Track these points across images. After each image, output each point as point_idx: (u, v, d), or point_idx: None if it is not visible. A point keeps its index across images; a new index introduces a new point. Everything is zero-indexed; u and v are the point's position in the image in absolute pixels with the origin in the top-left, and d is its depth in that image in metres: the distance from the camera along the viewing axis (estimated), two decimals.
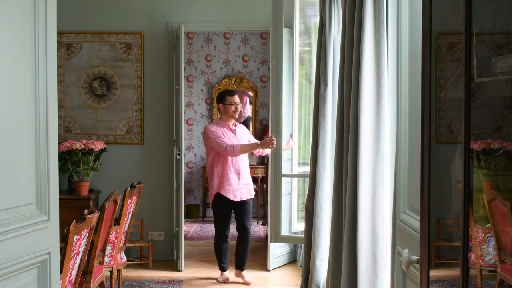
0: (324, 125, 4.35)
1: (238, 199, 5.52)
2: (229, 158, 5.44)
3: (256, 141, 5.66)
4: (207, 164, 5.63)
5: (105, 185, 6.29)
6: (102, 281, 4.50)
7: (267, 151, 5.41)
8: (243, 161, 5.56)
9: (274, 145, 5.03)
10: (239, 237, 5.63)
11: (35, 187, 2.60)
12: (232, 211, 5.63)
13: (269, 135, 5.20)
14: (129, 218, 5.15)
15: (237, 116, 5.59)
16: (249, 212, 5.61)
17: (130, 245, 6.10)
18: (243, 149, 5.40)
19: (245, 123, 9.29)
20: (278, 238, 5.09)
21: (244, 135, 5.71)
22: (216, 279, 5.75)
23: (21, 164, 2.52)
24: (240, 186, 5.52)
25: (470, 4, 1.50)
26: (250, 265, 6.01)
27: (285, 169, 5.30)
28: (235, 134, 5.58)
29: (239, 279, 5.67)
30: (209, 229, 8.26)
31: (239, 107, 5.58)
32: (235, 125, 5.63)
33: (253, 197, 5.66)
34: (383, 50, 3.56)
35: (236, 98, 5.56)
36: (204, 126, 5.36)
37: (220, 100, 5.57)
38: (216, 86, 9.12)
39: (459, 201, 1.58)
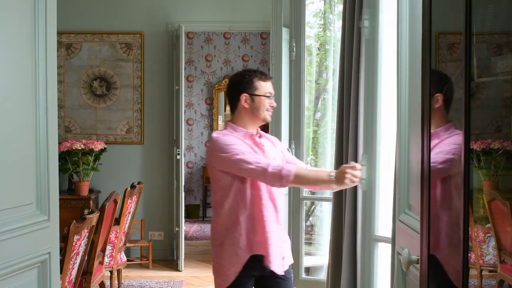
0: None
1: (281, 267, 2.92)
2: (263, 190, 2.85)
3: (309, 166, 3.38)
4: (213, 201, 2.97)
5: (105, 185, 6.29)
6: (102, 281, 4.50)
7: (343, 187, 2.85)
8: (280, 197, 2.97)
9: (358, 178, 2.76)
10: None
11: (35, 187, 2.60)
12: None
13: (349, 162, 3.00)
14: (129, 218, 5.16)
15: (270, 118, 3.00)
16: None
17: (130, 245, 6.10)
18: (302, 176, 2.78)
19: None
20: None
21: (277, 154, 3.02)
22: None
23: (21, 164, 2.52)
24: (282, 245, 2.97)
25: (470, 4, 1.50)
26: None
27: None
28: (262, 150, 2.94)
29: None
30: (209, 229, 8.26)
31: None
32: (260, 136, 3.00)
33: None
34: (383, 50, 3.55)
35: (271, 86, 3.00)
36: (212, 136, 2.95)
37: (244, 88, 2.91)
38: (216, 86, 9.11)
39: (459, 201, 1.58)
